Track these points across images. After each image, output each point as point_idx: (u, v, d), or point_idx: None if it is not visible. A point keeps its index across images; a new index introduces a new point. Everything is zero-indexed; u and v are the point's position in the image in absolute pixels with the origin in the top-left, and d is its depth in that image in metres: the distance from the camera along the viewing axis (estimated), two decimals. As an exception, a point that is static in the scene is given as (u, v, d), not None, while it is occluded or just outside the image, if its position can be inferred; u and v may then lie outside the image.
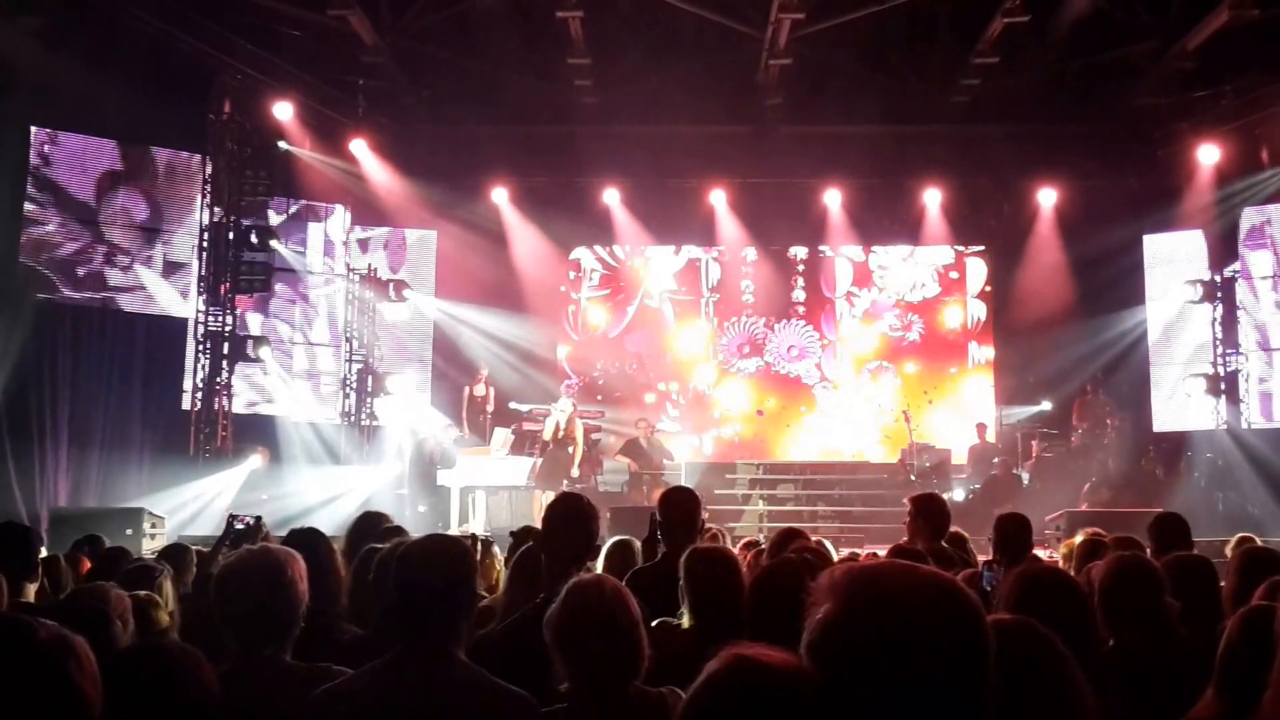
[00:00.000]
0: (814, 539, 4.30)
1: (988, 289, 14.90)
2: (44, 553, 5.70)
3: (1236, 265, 12.88)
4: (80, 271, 11.47)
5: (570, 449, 11.42)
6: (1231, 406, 12.67)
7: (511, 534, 4.26)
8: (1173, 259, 13.61)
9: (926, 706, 1.14)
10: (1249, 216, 12.74)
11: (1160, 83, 12.15)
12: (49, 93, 10.57)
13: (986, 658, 1.17)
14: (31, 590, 3.47)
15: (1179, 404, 13.38)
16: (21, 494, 10.19)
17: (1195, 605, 3.08)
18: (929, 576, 1.21)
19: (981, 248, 14.92)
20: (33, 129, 11.06)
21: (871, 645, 1.14)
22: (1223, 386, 12.75)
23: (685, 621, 2.91)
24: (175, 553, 5.10)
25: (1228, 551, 4.87)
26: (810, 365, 15.04)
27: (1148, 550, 4.44)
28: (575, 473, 11.41)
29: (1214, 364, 12.94)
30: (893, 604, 1.16)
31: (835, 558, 4.13)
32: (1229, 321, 12.87)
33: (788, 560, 2.69)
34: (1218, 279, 12.94)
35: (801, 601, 1.24)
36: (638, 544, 4.35)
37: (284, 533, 4.00)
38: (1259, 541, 4.74)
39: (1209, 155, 12.33)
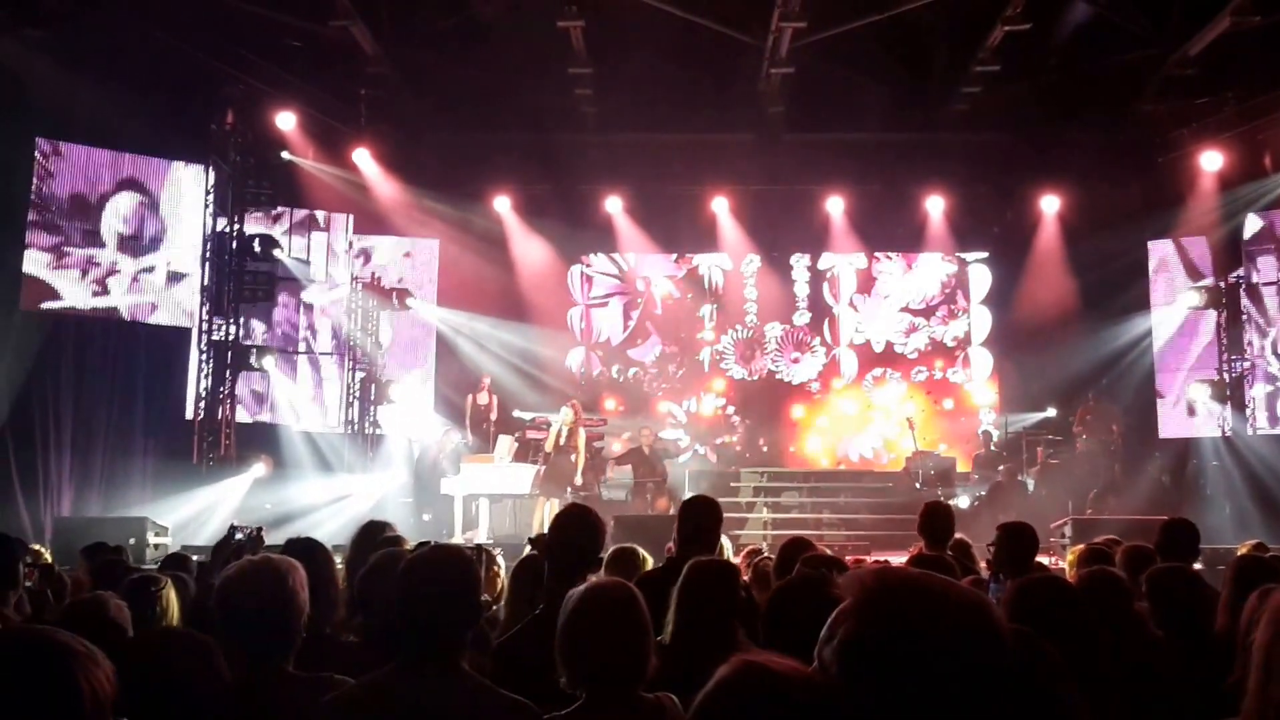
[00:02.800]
0: (827, 547, 4.29)
1: (991, 295, 14.89)
2: (48, 559, 5.72)
3: (1241, 271, 12.86)
4: (84, 281, 11.50)
5: (573, 457, 11.41)
6: (1237, 412, 12.63)
7: (529, 540, 4.28)
8: (1177, 265, 13.59)
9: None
10: (1253, 222, 12.72)
11: (1162, 89, 12.14)
12: (53, 104, 10.63)
13: (1003, 675, 1.16)
14: (13, 599, 3.46)
15: (1184, 410, 13.35)
16: (26, 503, 10.22)
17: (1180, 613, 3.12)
18: (952, 588, 1.22)
19: (985, 254, 14.92)
20: (37, 140, 11.11)
21: (899, 656, 1.13)
22: (1228, 393, 12.72)
23: (666, 635, 2.89)
24: (176, 562, 5.09)
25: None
26: (814, 372, 15.02)
27: (1155, 557, 4.43)
28: (578, 480, 11.40)
29: (1219, 370, 12.92)
30: (912, 611, 1.16)
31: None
32: (1233, 328, 12.85)
33: (805, 576, 2.68)
34: (1222, 285, 12.93)
35: (819, 619, 1.24)
36: (641, 552, 4.36)
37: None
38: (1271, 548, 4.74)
39: (1212, 161, 12.32)
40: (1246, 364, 12.78)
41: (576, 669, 2.31)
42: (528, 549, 4.37)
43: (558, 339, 14.85)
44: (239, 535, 4.00)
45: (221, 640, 2.47)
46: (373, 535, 3.98)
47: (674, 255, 15.09)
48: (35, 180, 11.16)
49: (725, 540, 5.53)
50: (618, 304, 15.22)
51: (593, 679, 2.30)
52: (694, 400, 14.98)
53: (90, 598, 3.03)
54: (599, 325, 15.18)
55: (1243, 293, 12.85)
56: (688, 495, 4.93)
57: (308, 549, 3.27)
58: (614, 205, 13.97)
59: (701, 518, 3.89)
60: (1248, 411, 12.65)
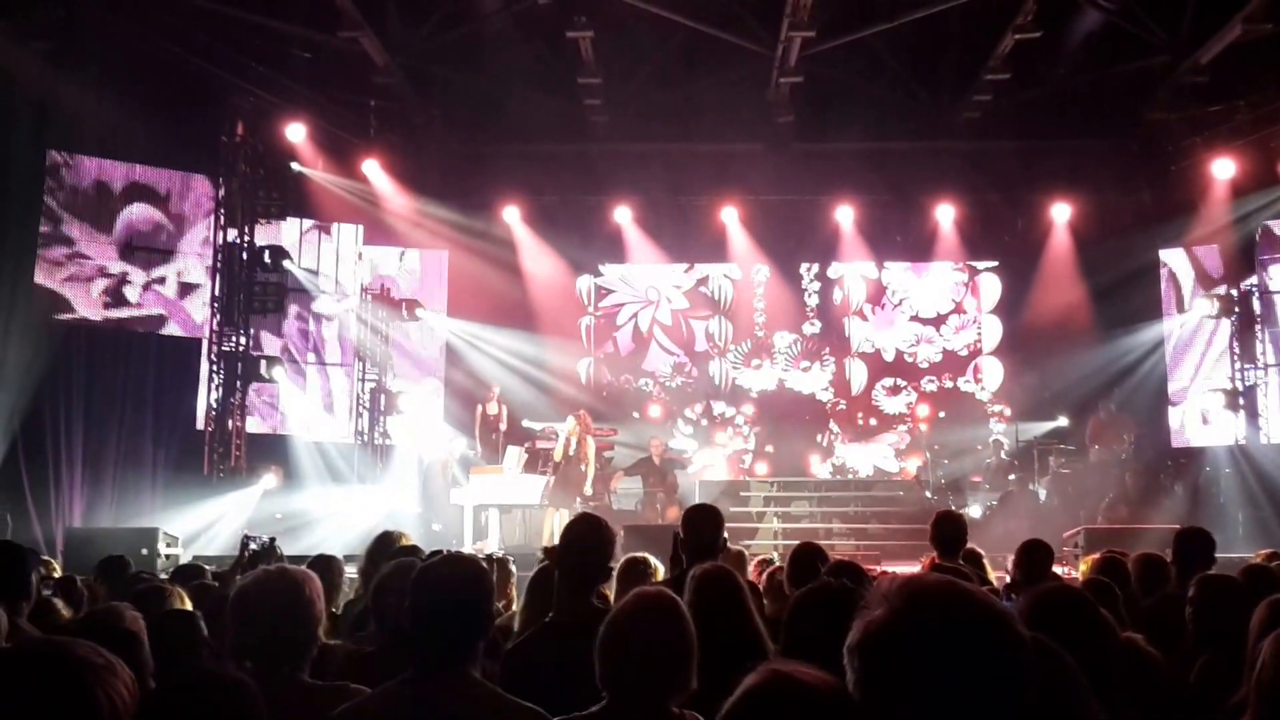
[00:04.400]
0: (839, 556, 4.27)
1: (1002, 305, 14.83)
2: (58, 573, 5.73)
3: (1254, 279, 12.78)
4: (95, 293, 11.56)
5: (582, 467, 11.40)
6: (1250, 421, 12.54)
7: (543, 550, 4.28)
8: (1189, 273, 13.52)
9: None
10: (1266, 230, 12.65)
11: (1173, 97, 12.08)
12: (64, 117, 10.72)
13: (1026, 684, 1.16)
14: (26, 610, 3.47)
15: (1197, 419, 13.27)
16: (37, 514, 10.24)
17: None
18: (980, 596, 1.22)
19: (995, 263, 14.87)
20: (49, 151, 11.18)
21: (914, 654, 1.13)
22: (1241, 401, 12.63)
23: None
24: (188, 572, 5.10)
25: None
26: (824, 382, 14.99)
27: (1171, 567, 4.40)
28: (588, 491, 11.38)
29: (1232, 379, 12.83)
30: (942, 616, 1.16)
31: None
32: (1246, 336, 12.76)
33: (827, 585, 2.67)
34: (1235, 293, 12.84)
35: (841, 630, 1.24)
36: (652, 561, 4.35)
37: (295, 551, 4.00)
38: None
39: (1224, 169, 12.23)
40: (1260, 372, 12.69)
41: (615, 672, 2.28)
42: (540, 557, 4.39)
43: (567, 349, 14.84)
44: (253, 545, 4.02)
45: (236, 649, 2.47)
46: (387, 545, 3.99)
47: (683, 265, 15.10)
48: (47, 192, 11.23)
49: (741, 553, 5.51)
50: (627, 314, 15.22)
51: (629, 685, 2.27)
52: (703, 410, 14.95)
53: (106, 608, 3.04)
54: (608, 335, 15.18)
55: (1255, 301, 12.76)
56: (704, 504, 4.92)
57: (322, 566, 3.29)
58: (623, 215, 13.99)
59: (703, 526, 3.89)
60: (1261, 420, 12.55)
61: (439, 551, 3.86)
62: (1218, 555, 4.71)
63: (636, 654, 2.27)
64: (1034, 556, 4.47)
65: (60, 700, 1.36)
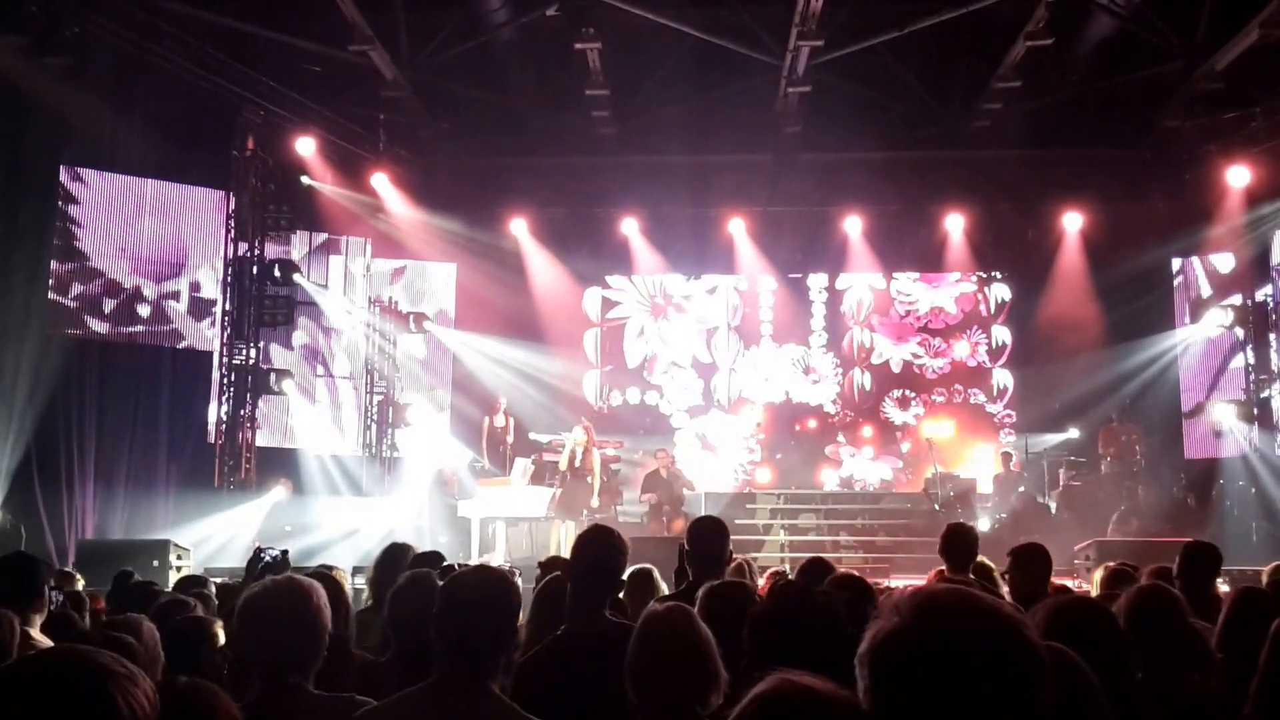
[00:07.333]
0: (843, 570, 4.24)
1: (1012, 315, 14.78)
2: (81, 584, 5.75)
3: (1269, 289, 12.67)
4: (107, 307, 11.62)
5: (589, 479, 11.38)
6: (1264, 432, 12.41)
7: (539, 565, 4.27)
8: (1203, 283, 13.42)
9: None
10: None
11: (1188, 104, 11.97)
12: (76, 131, 10.80)
13: (1040, 693, 1.15)
14: (38, 621, 3.48)
15: (1210, 430, 13.15)
16: (50, 526, 10.29)
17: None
18: (992, 604, 1.22)
19: (1006, 273, 14.82)
20: (60, 167, 11.27)
21: (924, 662, 1.13)
22: (1255, 412, 12.51)
23: None
24: (192, 584, 5.11)
25: (1264, 579, 4.78)
26: (831, 393, 14.94)
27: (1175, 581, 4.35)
28: (595, 503, 11.36)
29: (1246, 390, 12.71)
30: (952, 624, 1.16)
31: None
32: (1261, 346, 12.64)
33: (789, 587, 2.66)
34: (1249, 303, 12.73)
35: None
36: (657, 573, 4.34)
37: (306, 562, 3.99)
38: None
39: (1239, 177, 12.07)
40: (1275, 383, 12.57)
41: (644, 692, 2.29)
42: (539, 572, 4.38)
43: (574, 361, 14.85)
44: (265, 557, 4.04)
45: (242, 659, 2.46)
46: (397, 556, 3.99)
47: (690, 277, 15.10)
48: (60, 206, 11.32)
49: (747, 562, 5.48)
50: (634, 326, 15.22)
51: (660, 701, 2.27)
52: (710, 422, 14.92)
53: (123, 619, 3.04)
54: (615, 347, 15.17)
55: (1270, 310, 12.65)
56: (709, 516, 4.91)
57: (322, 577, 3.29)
58: (630, 227, 14.00)
59: (709, 539, 3.87)
60: (1275, 431, 12.42)
61: (451, 566, 3.87)
62: (1232, 568, 4.67)
63: (655, 673, 2.27)
64: (1027, 564, 4.43)
65: (82, 708, 1.35)
